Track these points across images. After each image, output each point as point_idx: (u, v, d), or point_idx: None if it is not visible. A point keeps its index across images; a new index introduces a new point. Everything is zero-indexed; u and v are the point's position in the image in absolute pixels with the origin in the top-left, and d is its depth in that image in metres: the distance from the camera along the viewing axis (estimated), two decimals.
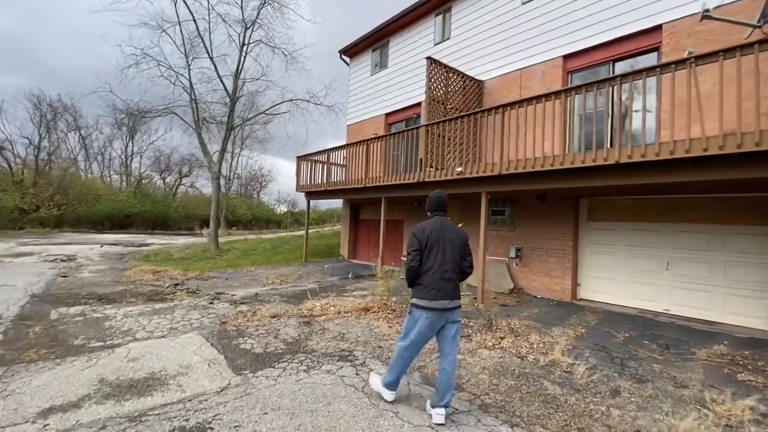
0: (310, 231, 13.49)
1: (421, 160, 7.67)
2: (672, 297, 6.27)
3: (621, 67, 6.95)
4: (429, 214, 3.21)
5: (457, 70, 8.56)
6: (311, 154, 11.76)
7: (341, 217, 14.87)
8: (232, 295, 7.25)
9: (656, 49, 6.51)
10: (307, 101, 15.71)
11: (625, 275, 6.82)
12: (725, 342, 4.76)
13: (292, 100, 15.30)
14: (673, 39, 6.22)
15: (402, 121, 11.68)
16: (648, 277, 6.53)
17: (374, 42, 12.74)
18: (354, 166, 9.77)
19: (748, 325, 5.52)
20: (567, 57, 7.64)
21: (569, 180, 5.82)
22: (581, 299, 7.30)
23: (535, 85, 8.06)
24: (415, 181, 7.82)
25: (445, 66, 8.28)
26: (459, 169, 6.93)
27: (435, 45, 10.53)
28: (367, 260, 12.72)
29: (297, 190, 12.23)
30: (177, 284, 8.31)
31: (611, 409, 3.17)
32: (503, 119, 6.35)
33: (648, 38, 6.57)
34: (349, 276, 9.65)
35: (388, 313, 6.00)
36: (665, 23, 6.31)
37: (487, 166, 6.52)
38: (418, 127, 7.84)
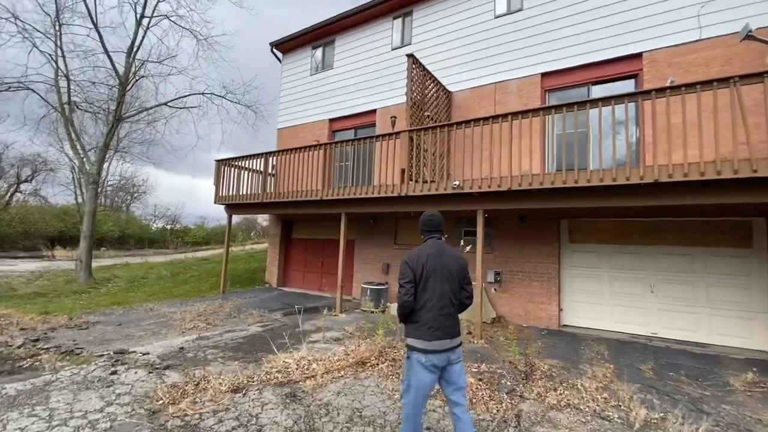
0: (214, 252, 10.95)
1: (402, 170, 6.53)
2: (659, 320, 6.26)
3: (598, 91, 7.03)
4: (422, 236, 2.77)
5: (433, 76, 7.78)
6: (238, 158, 9.55)
7: (258, 236, 12.56)
8: (144, 354, 4.85)
9: (635, 76, 6.72)
10: (223, 97, 13.26)
11: (610, 299, 6.68)
12: (754, 369, 4.66)
13: (204, 93, 12.65)
14: (654, 67, 6.46)
15: (351, 129, 10.40)
16: (633, 300, 6.47)
17: (316, 39, 11.30)
18: (304, 175, 8.06)
19: (737, 345, 5.70)
20: (545, 75, 7.51)
21: (574, 199, 5.36)
22: (565, 325, 6.95)
23: (511, 100, 7.74)
24: (395, 194, 6.61)
25: (424, 69, 7.41)
26: (456, 183, 5.98)
27: (393, 50, 9.66)
28: (303, 288, 10.79)
29: (216, 201, 9.77)
30: (36, 340, 5.38)
31: None
32: (511, 128, 5.65)
33: (628, 65, 6.75)
34: (325, 309, 7.76)
35: (396, 367, 4.56)
36: (645, 52, 6.55)
37: (493, 181, 5.71)
38: (398, 133, 6.70)
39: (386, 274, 8.88)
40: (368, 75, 9.98)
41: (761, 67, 5.26)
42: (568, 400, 3.75)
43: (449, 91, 8.44)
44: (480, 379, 4.27)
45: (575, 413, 3.51)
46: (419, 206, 6.47)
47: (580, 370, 4.74)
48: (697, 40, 6.13)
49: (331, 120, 10.72)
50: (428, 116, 7.37)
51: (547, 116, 5.69)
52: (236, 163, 9.56)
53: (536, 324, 6.99)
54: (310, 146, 8.14)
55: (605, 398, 3.82)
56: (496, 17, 8.16)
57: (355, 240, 9.66)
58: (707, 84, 4.35)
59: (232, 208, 9.90)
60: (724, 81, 4.26)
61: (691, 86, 4.46)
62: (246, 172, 9.45)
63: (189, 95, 12.39)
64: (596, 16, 7.02)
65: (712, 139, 4.43)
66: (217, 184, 9.77)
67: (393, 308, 7.60)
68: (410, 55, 6.85)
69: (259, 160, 9.15)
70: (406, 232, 8.85)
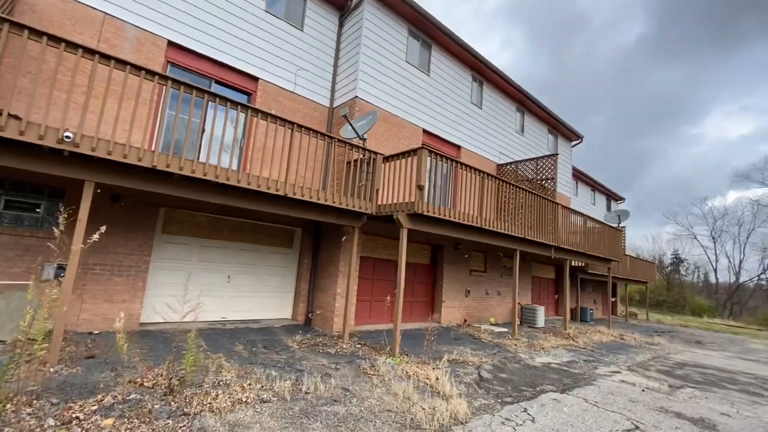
0: None
1: None
2: (229, 305, 7.31)
3: (218, 89, 7.29)
4: None
5: None
6: None
7: None
8: None
9: (250, 94, 7.67)
10: None
11: (193, 290, 6.87)
12: (301, 331, 6.77)
13: None
14: (264, 95, 7.74)
15: None
16: (214, 290, 7.12)
17: None
18: None
19: (276, 317, 7.88)
20: (172, 44, 6.66)
21: (183, 188, 4.99)
22: (144, 323, 6.29)
23: (126, 49, 6.12)
24: None
25: None
26: (70, 135, 3.93)
27: None
28: None
29: None
30: None
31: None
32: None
33: (246, 81, 7.58)
34: None
35: None
36: (261, 79, 7.70)
37: (122, 148, 4.36)
38: None
39: None
40: None
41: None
42: (231, 397, 3.79)
43: None
44: (121, 416, 3.20)
45: (250, 405, 3.68)
46: None
47: (202, 366, 4.70)
48: (292, 92, 8.16)
49: None
50: None
51: (164, 86, 5.01)
52: None
53: (111, 328, 5.73)
54: None
55: (251, 384, 4.22)
56: None
57: None
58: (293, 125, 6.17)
59: None
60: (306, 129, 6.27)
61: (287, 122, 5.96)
62: None
63: None
64: (229, 20, 7.35)
65: (288, 166, 6.20)
66: None
67: None
68: None
69: None
70: None
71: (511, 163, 12.38)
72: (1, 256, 5.08)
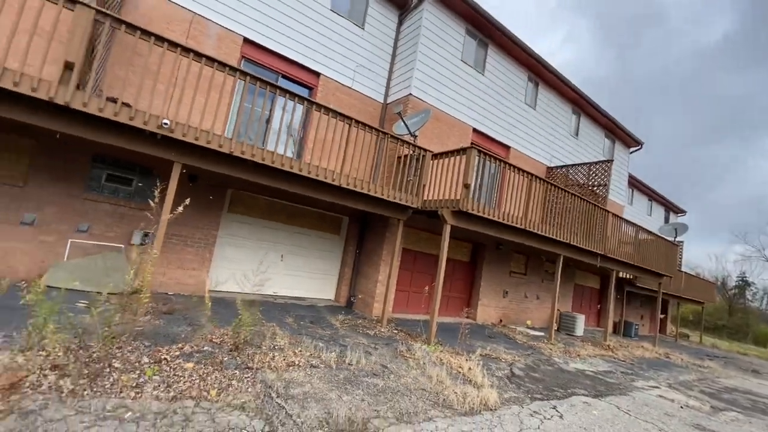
0: None
1: (69, 65, 4.06)
2: (281, 282, 7.99)
3: (283, 84, 7.89)
4: None
5: None
6: None
7: None
8: None
9: (311, 88, 8.21)
10: None
11: (252, 266, 7.61)
12: (343, 312, 7.30)
13: None
14: (324, 90, 8.25)
15: None
16: (269, 267, 7.80)
17: None
18: None
19: (319, 297, 8.48)
20: (247, 41, 7.32)
21: (250, 172, 5.46)
22: (210, 291, 7.08)
23: (208, 45, 6.84)
24: (45, 97, 3.94)
25: None
26: (167, 122, 4.61)
27: None
28: None
29: None
30: None
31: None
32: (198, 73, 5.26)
33: (308, 76, 8.13)
34: None
35: None
36: (322, 75, 8.22)
37: (202, 134, 4.99)
38: None
39: None
40: None
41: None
42: (285, 359, 4.32)
43: None
44: (199, 362, 3.81)
45: (301, 368, 4.19)
46: (91, 134, 4.33)
47: (258, 331, 5.31)
48: (350, 87, 8.61)
49: None
50: None
51: (243, 81, 5.53)
52: None
53: (182, 291, 6.58)
54: None
55: (302, 351, 4.74)
56: None
57: None
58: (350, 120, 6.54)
59: None
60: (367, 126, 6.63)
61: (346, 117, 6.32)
62: None
63: None
64: (297, 18, 7.90)
65: (344, 158, 6.58)
66: None
67: None
68: None
69: None
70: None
71: (562, 166, 12.09)
72: (101, 222, 6.00)
